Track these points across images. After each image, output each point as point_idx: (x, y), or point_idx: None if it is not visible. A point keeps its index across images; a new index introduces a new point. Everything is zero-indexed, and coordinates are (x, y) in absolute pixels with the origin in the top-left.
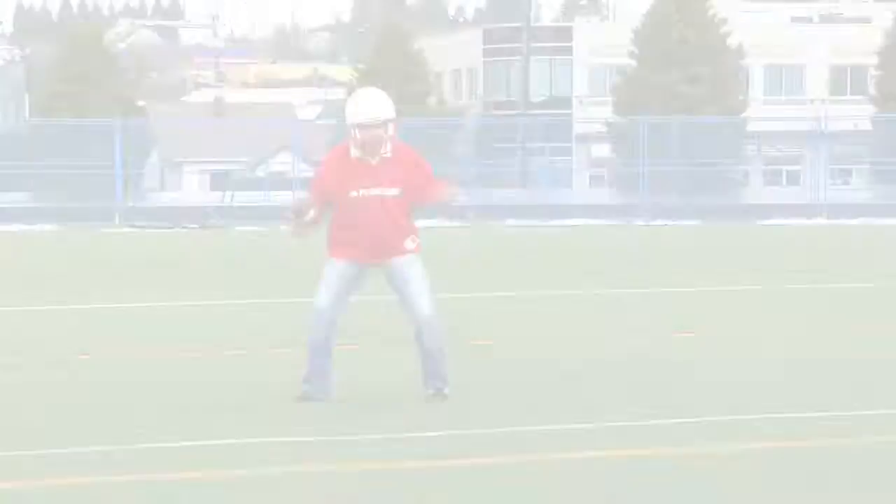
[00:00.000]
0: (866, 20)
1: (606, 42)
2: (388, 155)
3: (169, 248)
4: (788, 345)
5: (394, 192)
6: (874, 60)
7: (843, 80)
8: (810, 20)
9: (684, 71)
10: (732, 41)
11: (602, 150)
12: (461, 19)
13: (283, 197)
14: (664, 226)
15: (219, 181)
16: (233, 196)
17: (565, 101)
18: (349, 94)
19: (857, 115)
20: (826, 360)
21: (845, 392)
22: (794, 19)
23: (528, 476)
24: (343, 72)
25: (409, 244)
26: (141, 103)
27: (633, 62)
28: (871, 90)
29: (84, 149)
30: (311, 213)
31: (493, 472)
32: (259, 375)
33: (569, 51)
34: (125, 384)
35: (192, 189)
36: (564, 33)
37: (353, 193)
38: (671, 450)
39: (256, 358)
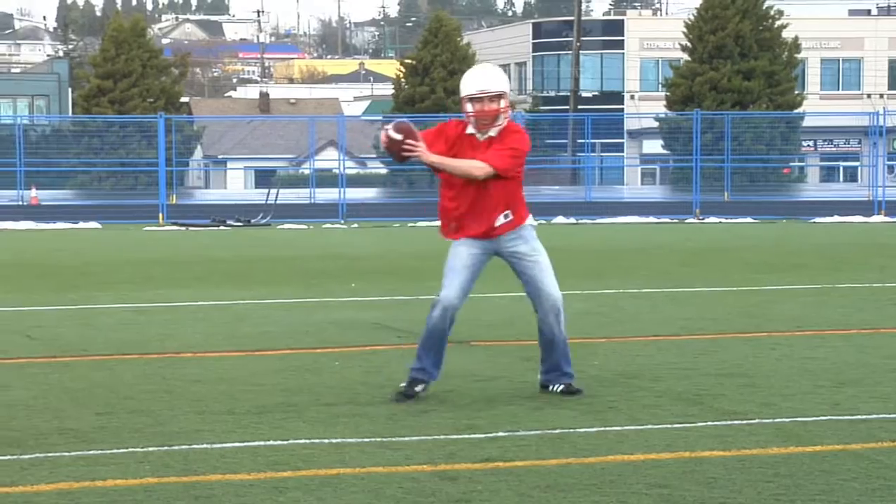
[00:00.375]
0: None
1: (658, 36)
2: (494, 134)
3: (213, 246)
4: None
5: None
6: None
7: None
8: (868, 13)
9: (738, 65)
10: (788, 34)
11: (654, 146)
12: (510, 13)
13: (330, 194)
14: (718, 223)
15: (264, 178)
16: (277, 194)
17: (616, 97)
18: (396, 89)
19: None
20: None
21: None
22: (852, 12)
23: (576, 478)
24: (389, 67)
25: (499, 219)
26: (185, 99)
27: (686, 56)
28: None
29: (127, 145)
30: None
31: (543, 474)
32: (304, 376)
33: (620, 45)
34: (171, 384)
35: (237, 186)
36: (615, 27)
37: None
38: (721, 452)
39: (303, 358)
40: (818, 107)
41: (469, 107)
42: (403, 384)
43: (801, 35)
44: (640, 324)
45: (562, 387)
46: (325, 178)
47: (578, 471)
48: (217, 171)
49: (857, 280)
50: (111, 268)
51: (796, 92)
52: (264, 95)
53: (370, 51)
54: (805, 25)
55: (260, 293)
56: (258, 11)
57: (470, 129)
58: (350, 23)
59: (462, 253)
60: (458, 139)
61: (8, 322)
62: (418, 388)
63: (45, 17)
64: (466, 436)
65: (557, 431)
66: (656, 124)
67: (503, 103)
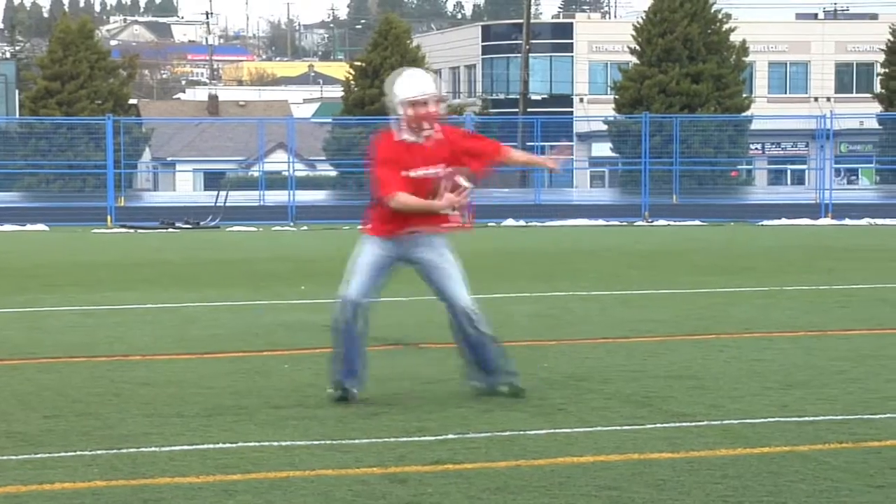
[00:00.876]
0: (872, 16)
1: (607, 39)
2: (440, 136)
3: (162, 248)
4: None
5: (446, 171)
6: (881, 57)
7: (849, 78)
8: (815, 17)
9: (687, 68)
10: (736, 38)
11: (603, 149)
12: (459, 15)
13: (279, 197)
14: (666, 226)
15: (213, 181)
16: (227, 196)
17: (565, 100)
18: (345, 91)
19: (863, 113)
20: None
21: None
22: (799, 16)
23: (526, 480)
24: (339, 69)
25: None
26: (133, 101)
27: (635, 59)
28: (878, 88)
29: (75, 147)
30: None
31: (493, 476)
32: (253, 379)
33: (569, 48)
34: (119, 386)
35: (186, 189)
36: (564, 30)
37: (405, 174)
38: (669, 454)
39: (253, 360)
40: (766, 110)
41: (408, 110)
42: (336, 391)
43: (748, 39)
44: (590, 326)
45: (476, 383)
46: (275, 181)
47: (528, 473)
48: (166, 173)
49: (804, 283)
50: (59, 270)
51: (744, 95)
52: (213, 97)
53: (320, 53)
54: (753, 29)
55: (209, 296)
56: (207, 13)
57: (403, 136)
58: (299, 25)
59: (368, 251)
60: (398, 153)
61: None
62: (346, 387)
63: None
64: (416, 438)
65: (507, 433)
66: (605, 127)
67: (439, 105)
